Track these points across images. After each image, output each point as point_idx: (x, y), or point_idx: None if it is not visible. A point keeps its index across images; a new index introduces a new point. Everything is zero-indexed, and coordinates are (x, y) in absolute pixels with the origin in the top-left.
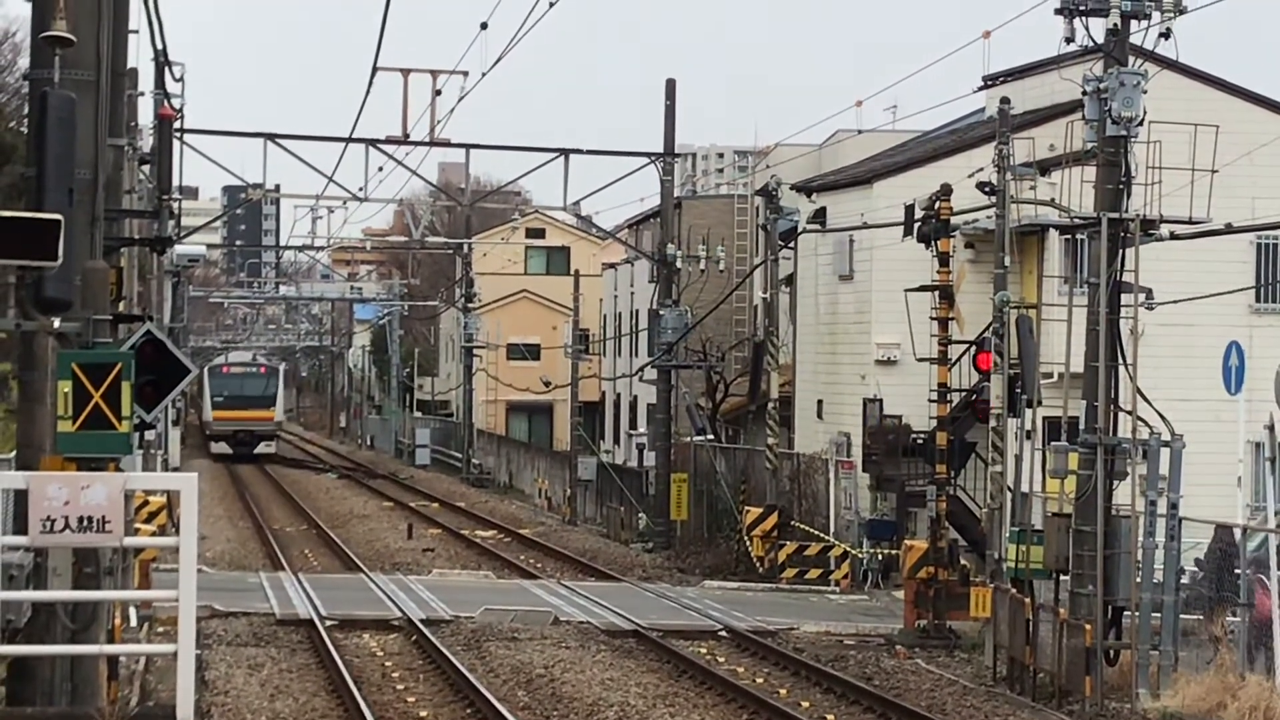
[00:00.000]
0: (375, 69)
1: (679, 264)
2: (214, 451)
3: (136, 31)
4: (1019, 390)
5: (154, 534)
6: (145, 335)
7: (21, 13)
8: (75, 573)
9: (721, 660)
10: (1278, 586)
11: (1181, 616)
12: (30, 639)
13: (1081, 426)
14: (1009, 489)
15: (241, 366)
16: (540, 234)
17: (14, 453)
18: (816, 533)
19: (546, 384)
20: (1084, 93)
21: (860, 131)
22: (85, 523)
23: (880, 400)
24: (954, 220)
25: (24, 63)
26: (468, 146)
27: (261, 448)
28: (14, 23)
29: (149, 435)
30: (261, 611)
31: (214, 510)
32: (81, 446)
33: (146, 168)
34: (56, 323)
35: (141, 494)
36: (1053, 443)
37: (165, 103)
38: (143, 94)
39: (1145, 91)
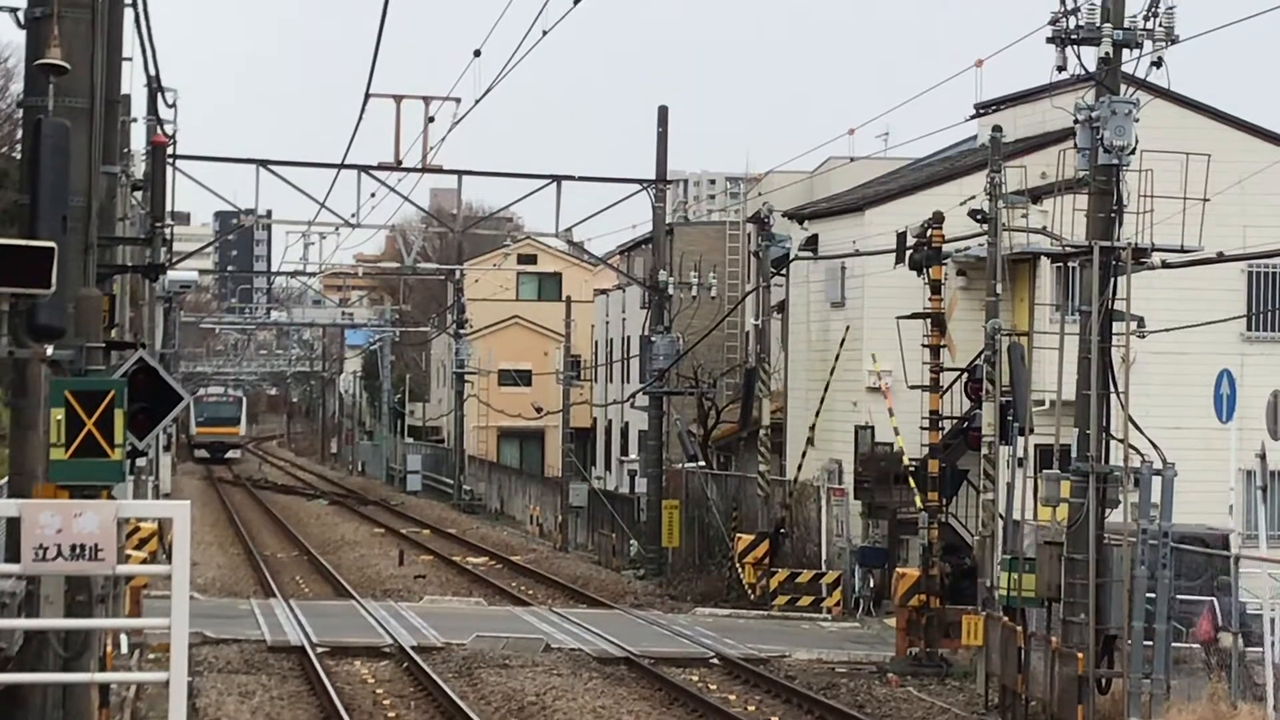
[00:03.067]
0: (368, 95)
1: (671, 290)
2: (197, 457)
3: (130, 59)
4: (1011, 418)
5: (145, 560)
6: (138, 363)
7: (14, 38)
8: (67, 600)
9: (713, 688)
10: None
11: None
12: (22, 666)
13: (1073, 454)
14: (1000, 517)
15: (216, 396)
16: (532, 260)
17: (5, 480)
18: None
19: (538, 410)
20: (1076, 121)
21: (852, 159)
22: (78, 550)
23: (872, 427)
24: (946, 248)
25: (16, 88)
26: (460, 173)
27: (231, 454)
28: (6, 48)
29: (140, 462)
30: (253, 638)
31: (205, 537)
32: (74, 474)
33: (139, 194)
34: (49, 350)
35: (133, 520)
36: (1045, 470)
37: (158, 129)
38: (135, 120)
39: (1137, 120)
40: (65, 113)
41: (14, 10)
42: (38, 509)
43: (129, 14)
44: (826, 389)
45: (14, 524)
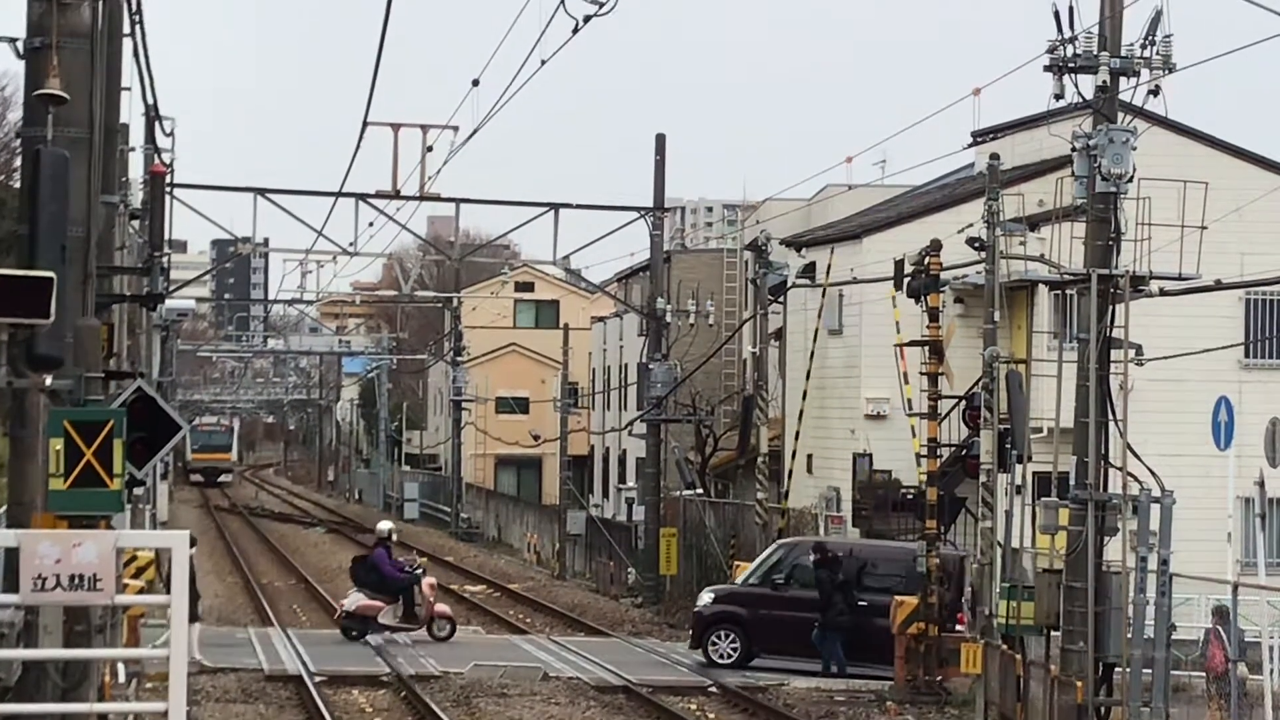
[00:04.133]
0: (366, 123)
1: (668, 318)
2: (192, 480)
3: (129, 89)
4: (1009, 445)
5: (142, 589)
6: (136, 392)
7: (11, 66)
8: (66, 630)
9: (712, 716)
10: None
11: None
12: (21, 697)
13: (1072, 482)
14: (999, 544)
15: (210, 425)
16: (530, 288)
17: (4, 509)
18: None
19: (535, 438)
20: (1073, 149)
21: (850, 187)
22: (77, 581)
23: (870, 455)
24: (944, 275)
25: (13, 116)
26: (458, 201)
27: (224, 478)
28: (4, 76)
29: (137, 490)
30: (250, 667)
31: (202, 565)
32: (73, 504)
33: (136, 223)
34: (48, 380)
35: (129, 548)
36: (1043, 498)
37: (157, 159)
38: (133, 149)
39: (1135, 148)
40: (64, 143)
41: (13, 40)
42: (36, 539)
43: (127, 44)
44: (803, 407)
45: (13, 554)
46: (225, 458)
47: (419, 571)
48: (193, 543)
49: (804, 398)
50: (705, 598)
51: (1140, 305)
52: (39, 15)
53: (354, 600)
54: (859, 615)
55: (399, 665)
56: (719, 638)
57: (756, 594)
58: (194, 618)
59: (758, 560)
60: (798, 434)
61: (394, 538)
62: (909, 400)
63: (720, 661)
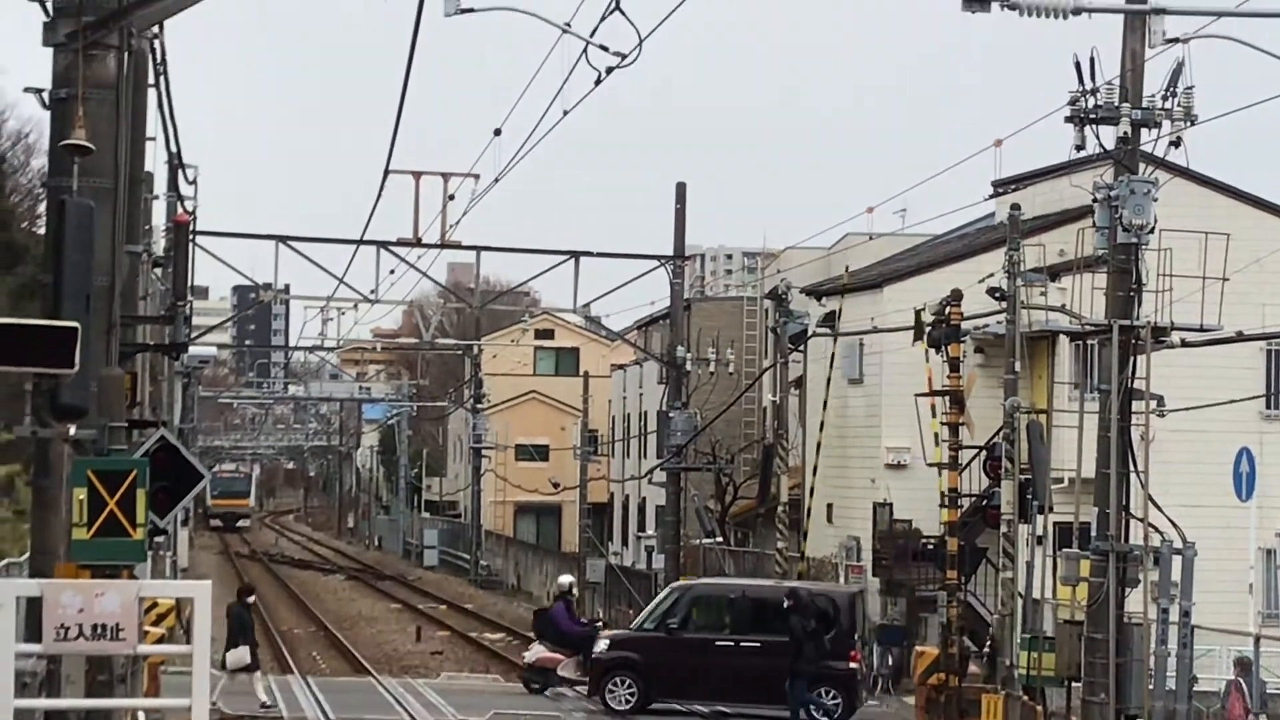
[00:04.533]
0: (387, 171)
1: (688, 366)
2: (212, 525)
3: (153, 138)
4: (1030, 496)
5: (162, 636)
6: (159, 441)
7: (34, 114)
8: (88, 680)
9: None
10: None
11: None
12: None
13: (1093, 533)
14: (1020, 595)
15: (229, 472)
16: (549, 335)
17: (25, 556)
18: None
19: (555, 485)
20: (1094, 200)
21: (871, 237)
22: (99, 630)
23: (890, 504)
24: (964, 325)
25: (36, 163)
26: (478, 249)
27: (242, 523)
28: (27, 123)
29: (158, 538)
30: (270, 716)
31: (222, 612)
32: (96, 554)
33: (159, 270)
34: (72, 430)
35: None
36: (1064, 549)
37: (180, 208)
38: (157, 197)
39: (1156, 199)
40: (89, 193)
41: (39, 91)
42: (59, 589)
43: (152, 94)
44: (820, 457)
45: (35, 604)
46: (244, 504)
47: (599, 626)
48: (251, 591)
49: (818, 449)
50: (602, 644)
51: (1161, 356)
52: (64, 66)
53: (535, 653)
54: (757, 656)
55: (419, 713)
56: (616, 684)
57: (652, 639)
58: (254, 666)
59: (652, 604)
60: (813, 486)
61: (575, 592)
62: (935, 434)
63: (617, 708)
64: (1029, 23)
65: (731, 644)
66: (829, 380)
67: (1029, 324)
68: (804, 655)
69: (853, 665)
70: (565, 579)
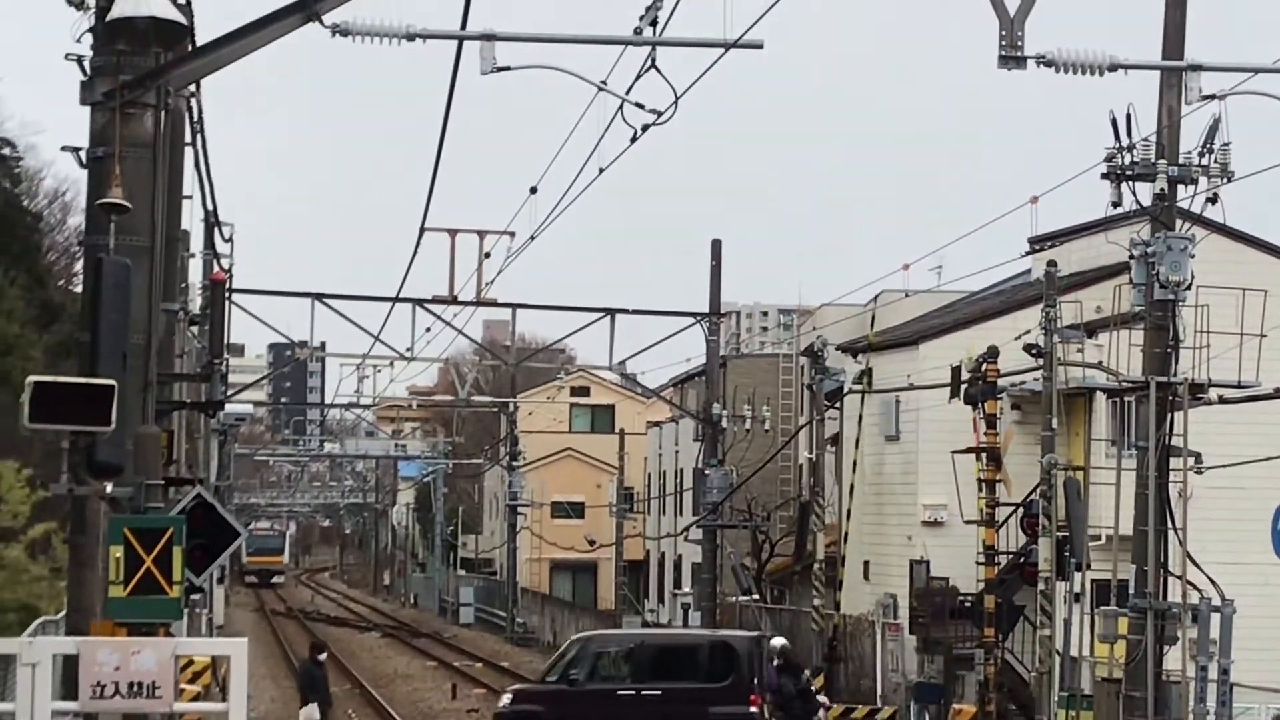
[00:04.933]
0: (423, 229)
1: (724, 423)
2: (247, 581)
3: (190, 197)
4: (1068, 553)
5: (198, 694)
6: (195, 499)
7: (71, 173)
8: None
9: None
10: None
11: None
12: None
13: (1131, 590)
14: (1058, 653)
15: (264, 530)
16: (585, 392)
17: (62, 614)
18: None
19: (591, 542)
20: (1131, 256)
21: (907, 294)
22: (135, 688)
23: (927, 562)
24: (1001, 382)
25: (73, 221)
26: (514, 306)
27: (276, 579)
28: (63, 182)
29: (194, 595)
30: None
31: (257, 669)
32: (132, 612)
33: (195, 328)
34: (109, 487)
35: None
36: (1102, 606)
37: (216, 265)
38: (193, 255)
39: (1193, 256)
40: (126, 251)
41: (77, 150)
42: (96, 646)
43: (188, 152)
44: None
45: (72, 661)
46: (278, 561)
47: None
48: (323, 649)
49: (848, 512)
50: (505, 698)
51: (1199, 412)
52: (102, 125)
53: None
54: (659, 705)
55: None
56: None
57: (555, 691)
58: None
59: (554, 657)
60: (845, 536)
61: (785, 656)
62: (978, 480)
63: None
64: (1065, 79)
65: (633, 693)
66: (858, 440)
67: (1066, 381)
68: (791, 711)
69: (752, 710)
70: (777, 641)
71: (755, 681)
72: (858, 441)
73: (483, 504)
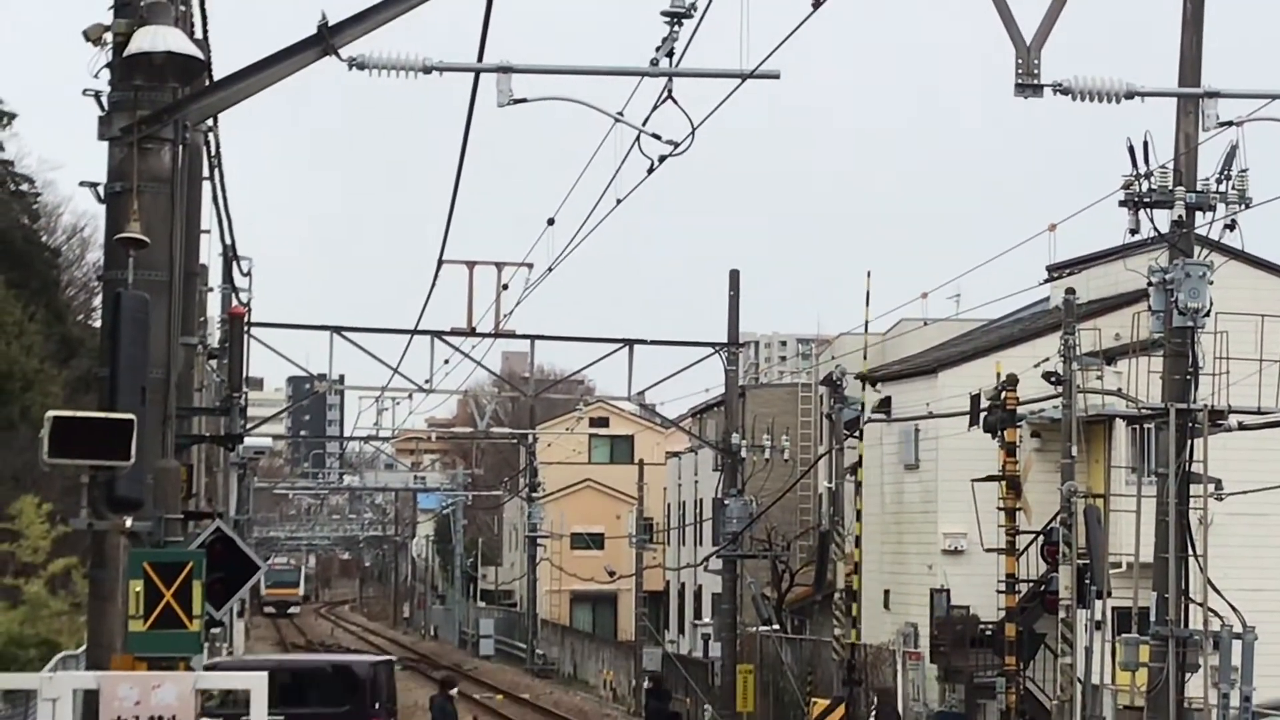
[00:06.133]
0: (441, 261)
1: (743, 453)
2: (265, 611)
3: (208, 231)
4: (1088, 581)
5: None
6: (215, 532)
7: (89, 208)
8: None
9: None
10: None
11: None
12: None
13: (1152, 618)
14: (1079, 681)
15: (281, 565)
16: (604, 423)
17: (82, 649)
18: None
19: (610, 573)
20: (1150, 283)
21: (925, 322)
22: None
23: (947, 590)
24: (1020, 410)
25: (91, 256)
26: (533, 338)
27: (293, 609)
28: (81, 218)
29: (214, 629)
30: None
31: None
32: (152, 646)
33: (214, 362)
34: (129, 521)
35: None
36: (1123, 634)
37: (235, 299)
38: (211, 289)
39: (1211, 282)
40: (144, 285)
41: (94, 185)
42: (116, 681)
43: (206, 186)
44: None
45: (92, 696)
46: (294, 593)
47: None
48: (453, 684)
49: (857, 540)
50: None
51: (1219, 439)
52: (120, 160)
53: None
54: None
55: None
56: None
57: None
58: None
59: None
60: (856, 565)
61: (656, 680)
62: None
63: None
64: (1083, 106)
65: None
66: (857, 466)
67: (1085, 408)
68: None
69: None
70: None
71: (377, 706)
72: (856, 468)
73: (502, 535)
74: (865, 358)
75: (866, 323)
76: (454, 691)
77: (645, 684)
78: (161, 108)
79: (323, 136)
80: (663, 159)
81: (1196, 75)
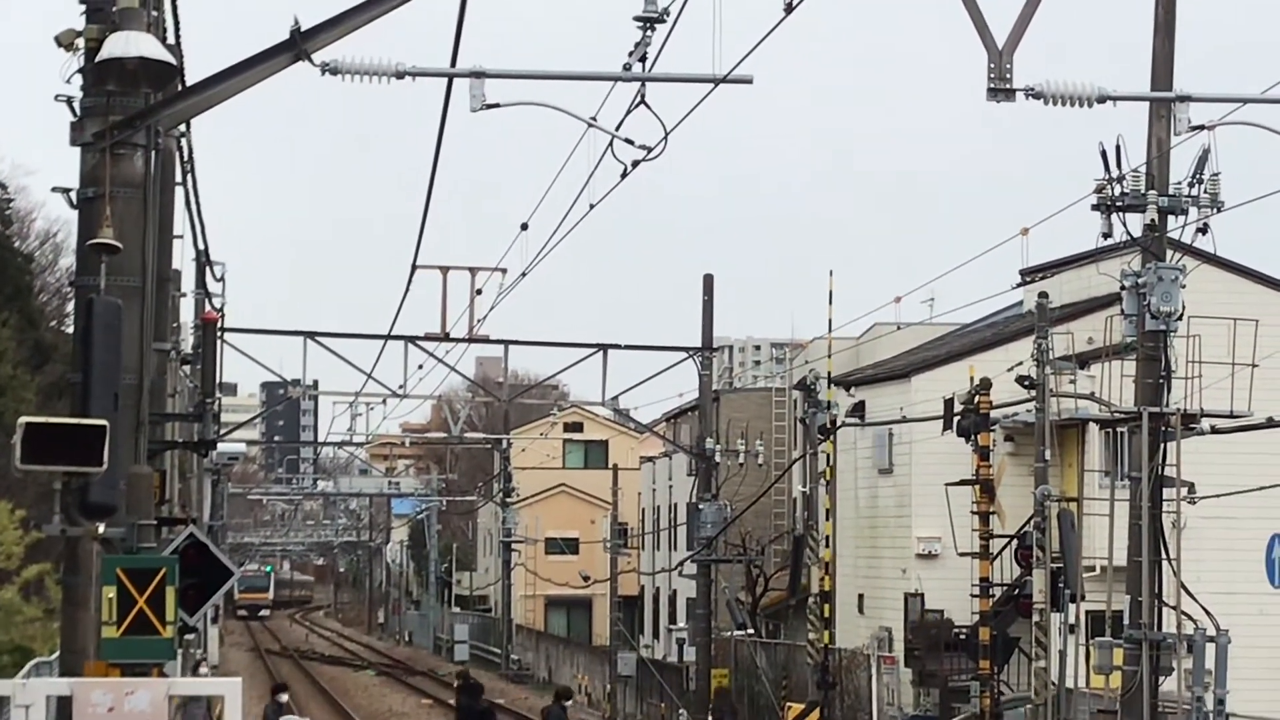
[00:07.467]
0: (415, 266)
1: (717, 458)
2: (238, 614)
3: (181, 236)
4: (1062, 584)
5: None
6: (188, 538)
7: (62, 214)
8: None
9: None
10: None
11: None
12: None
13: (1126, 621)
14: (1053, 684)
15: (252, 571)
16: (578, 428)
17: (55, 655)
18: None
19: (585, 578)
20: (1122, 287)
21: (899, 326)
22: None
23: (922, 595)
24: (993, 414)
25: (64, 262)
26: (506, 343)
27: (263, 612)
28: (54, 223)
29: (188, 635)
30: None
31: (253, 709)
32: (126, 652)
33: (187, 367)
34: (101, 528)
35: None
36: (1097, 637)
37: (208, 305)
38: (184, 295)
39: (1184, 286)
40: (117, 291)
41: (67, 191)
42: (89, 688)
43: (179, 192)
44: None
45: (65, 703)
46: (264, 597)
47: None
48: (568, 694)
49: (828, 542)
50: None
51: (1192, 443)
52: (92, 166)
53: None
54: None
55: None
56: None
57: None
58: None
59: None
60: (827, 567)
61: (465, 678)
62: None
63: None
64: (1055, 111)
65: None
66: (823, 472)
67: (1059, 412)
68: None
69: None
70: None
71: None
72: (824, 473)
73: (477, 541)
74: (829, 356)
75: (830, 321)
76: (568, 702)
77: (455, 682)
78: (134, 113)
79: (296, 142)
80: (636, 164)
81: (1169, 79)
